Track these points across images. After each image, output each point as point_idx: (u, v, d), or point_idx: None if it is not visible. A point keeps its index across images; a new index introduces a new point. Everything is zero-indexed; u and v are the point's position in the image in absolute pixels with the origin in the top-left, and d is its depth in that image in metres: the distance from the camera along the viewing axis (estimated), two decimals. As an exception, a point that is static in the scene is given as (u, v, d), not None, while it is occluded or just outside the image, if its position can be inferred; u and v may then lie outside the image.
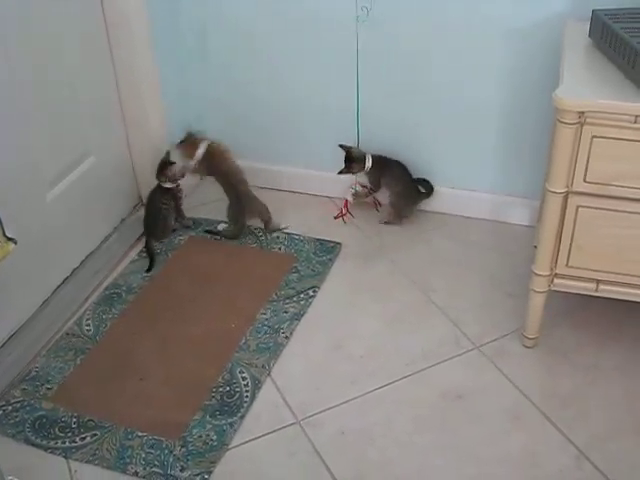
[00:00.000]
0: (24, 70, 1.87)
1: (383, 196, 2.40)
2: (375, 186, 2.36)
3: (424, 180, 2.37)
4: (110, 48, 2.19)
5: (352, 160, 2.30)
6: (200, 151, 2.26)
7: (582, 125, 1.50)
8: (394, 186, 2.33)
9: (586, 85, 1.58)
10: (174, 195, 2.31)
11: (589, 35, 1.75)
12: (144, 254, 2.25)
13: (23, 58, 1.86)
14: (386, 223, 2.37)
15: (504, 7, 2.02)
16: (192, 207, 2.45)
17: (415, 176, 2.35)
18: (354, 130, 2.33)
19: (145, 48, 2.22)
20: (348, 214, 2.40)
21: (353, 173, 2.33)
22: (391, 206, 2.37)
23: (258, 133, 2.50)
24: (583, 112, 1.49)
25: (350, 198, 2.40)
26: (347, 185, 2.40)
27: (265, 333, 1.95)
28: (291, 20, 2.24)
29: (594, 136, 1.51)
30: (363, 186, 2.39)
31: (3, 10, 1.77)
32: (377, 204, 2.44)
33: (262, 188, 2.54)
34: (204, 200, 2.50)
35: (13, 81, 1.84)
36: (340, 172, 2.32)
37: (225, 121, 2.37)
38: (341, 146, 2.31)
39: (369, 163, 2.30)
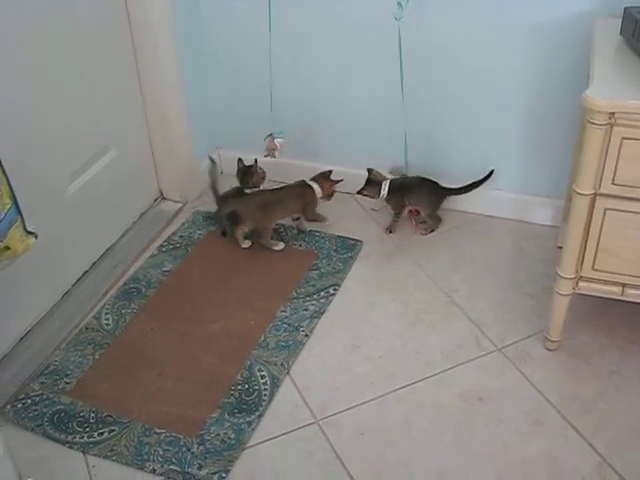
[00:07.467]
0: (46, 65, 1.87)
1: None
2: (398, 209, 2.29)
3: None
4: (133, 44, 2.19)
5: (368, 183, 2.25)
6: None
7: (612, 126, 1.47)
8: (424, 204, 2.28)
9: (617, 85, 1.54)
10: None
11: (620, 33, 1.71)
12: (164, 249, 2.25)
13: (46, 53, 1.86)
14: (422, 234, 2.31)
15: (532, 3, 1.97)
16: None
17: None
18: (375, 125, 2.29)
19: (168, 46, 2.21)
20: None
21: (367, 196, 2.27)
22: (427, 219, 2.31)
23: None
24: (613, 113, 1.45)
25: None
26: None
27: (284, 331, 1.93)
28: (326, 23, 2.22)
29: (624, 137, 1.47)
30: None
31: (28, 9, 1.77)
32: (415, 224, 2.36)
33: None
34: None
35: (35, 76, 1.84)
36: (358, 192, 2.28)
37: (243, 118, 2.35)
38: (368, 170, 2.26)
39: (385, 191, 2.23)
